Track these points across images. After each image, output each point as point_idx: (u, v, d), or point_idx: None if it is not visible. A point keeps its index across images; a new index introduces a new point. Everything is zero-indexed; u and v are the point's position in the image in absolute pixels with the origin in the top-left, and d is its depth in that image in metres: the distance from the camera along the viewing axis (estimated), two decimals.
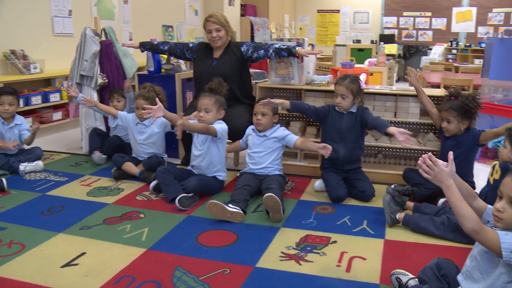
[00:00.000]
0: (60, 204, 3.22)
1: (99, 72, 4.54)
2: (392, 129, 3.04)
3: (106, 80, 4.57)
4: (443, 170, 1.67)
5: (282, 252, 2.47)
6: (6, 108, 3.96)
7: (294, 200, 3.27)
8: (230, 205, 2.87)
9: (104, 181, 3.73)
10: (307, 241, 2.61)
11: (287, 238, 2.65)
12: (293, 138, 3.35)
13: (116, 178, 3.76)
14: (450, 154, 1.72)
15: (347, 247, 2.53)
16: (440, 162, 1.70)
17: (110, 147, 4.17)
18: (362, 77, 4.03)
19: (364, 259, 2.41)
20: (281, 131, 3.39)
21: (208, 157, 3.35)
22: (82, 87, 4.55)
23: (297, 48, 3.64)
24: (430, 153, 1.69)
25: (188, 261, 2.38)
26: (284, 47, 3.70)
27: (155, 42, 4.25)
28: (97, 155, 4.16)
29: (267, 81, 5.49)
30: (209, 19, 3.90)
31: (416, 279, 2.02)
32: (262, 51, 3.80)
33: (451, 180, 1.66)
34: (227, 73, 3.83)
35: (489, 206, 1.81)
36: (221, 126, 3.32)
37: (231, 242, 2.59)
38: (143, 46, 4.27)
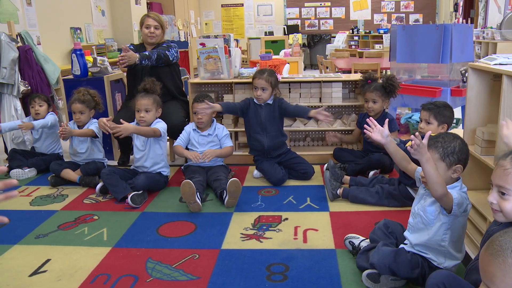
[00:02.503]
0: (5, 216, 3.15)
1: (20, 79, 4.41)
2: (312, 113, 3.37)
3: (29, 87, 4.45)
4: (424, 145, 1.79)
5: (242, 234, 2.67)
6: None
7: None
8: (197, 193, 3.02)
9: (44, 189, 3.68)
10: (261, 221, 2.83)
11: (242, 221, 2.86)
12: (225, 144, 3.57)
13: (53, 185, 3.72)
14: (428, 133, 1.84)
15: (299, 222, 2.79)
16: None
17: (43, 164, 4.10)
18: (286, 67, 4.31)
19: (316, 230, 2.67)
20: (221, 131, 3.59)
21: (151, 156, 3.45)
22: (3, 96, 4.40)
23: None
24: (417, 133, 1.80)
25: (156, 252, 2.50)
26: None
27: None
28: (15, 172, 4.02)
29: (187, 77, 5.63)
30: (150, 15, 4.00)
31: (367, 241, 2.31)
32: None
33: (428, 154, 1.82)
34: (160, 69, 3.94)
35: (418, 168, 2.12)
36: (162, 125, 3.43)
37: (191, 231, 2.75)
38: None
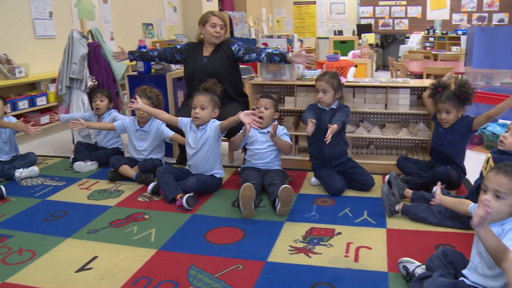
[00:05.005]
0: (63, 209, 3.24)
1: (88, 74, 4.54)
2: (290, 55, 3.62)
3: (96, 82, 4.57)
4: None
5: (291, 246, 2.55)
6: None
7: (294, 194, 3.35)
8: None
9: (102, 183, 3.75)
10: (313, 234, 2.69)
11: (293, 231, 2.74)
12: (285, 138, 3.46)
13: (111, 180, 3.79)
14: (486, 200, 1.60)
15: (352, 238, 2.63)
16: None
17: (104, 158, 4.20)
18: (352, 70, 4.12)
19: (369, 248, 2.50)
20: (280, 130, 3.48)
21: (204, 155, 3.40)
22: (72, 90, 4.55)
23: (290, 55, 3.70)
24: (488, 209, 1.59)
25: (200, 259, 2.44)
26: (277, 52, 3.76)
27: (144, 50, 4.24)
28: (78, 164, 4.14)
29: (253, 76, 5.57)
30: (216, 14, 3.93)
31: (423, 267, 2.12)
32: (254, 55, 3.84)
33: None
34: (218, 70, 3.88)
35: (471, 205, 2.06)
36: (217, 125, 3.38)
37: (239, 239, 2.66)
38: (132, 54, 4.22)
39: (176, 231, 2.79)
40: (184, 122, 3.47)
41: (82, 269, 2.41)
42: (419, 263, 2.16)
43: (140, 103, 3.43)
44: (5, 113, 4.15)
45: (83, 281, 2.29)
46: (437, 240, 2.54)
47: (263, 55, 3.80)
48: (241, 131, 3.41)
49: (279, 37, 4.01)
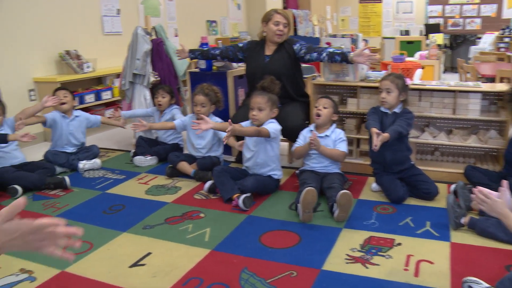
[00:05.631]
0: (121, 203, 3.30)
1: (151, 70, 4.61)
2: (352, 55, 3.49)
3: (158, 78, 4.64)
4: (496, 201, 1.69)
5: (347, 255, 2.45)
6: (60, 98, 4.13)
7: (353, 199, 3.24)
8: None
9: (161, 179, 3.79)
10: (372, 243, 2.57)
11: (351, 239, 2.63)
12: (338, 147, 3.34)
13: (169, 176, 3.82)
14: (504, 183, 1.72)
15: (413, 250, 2.49)
16: (494, 193, 1.72)
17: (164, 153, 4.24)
18: (418, 72, 3.94)
19: (431, 263, 2.35)
20: (337, 134, 3.38)
21: (262, 157, 3.35)
22: (135, 85, 4.64)
23: (352, 54, 3.58)
24: (480, 187, 1.72)
25: (253, 262, 2.39)
26: (338, 51, 3.65)
27: (205, 48, 4.23)
28: (138, 158, 4.22)
29: (315, 75, 5.46)
30: (280, 11, 3.86)
31: None
32: (315, 54, 3.74)
33: (506, 210, 1.67)
34: (280, 70, 3.81)
35: None
36: (273, 126, 3.31)
37: (294, 243, 2.59)
38: (193, 53, 4.19)
39: (230, 232, 2.76)
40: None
41: (135, 264, 2.42)
42: (488, 285, 1.99)
43: (210, 123, 3.26)
44: (74, 106, 4.32)
45: (135, 277, 2.30)
46: (508, 260, 2.35)
47: (324, 54, 3.69)
48: (307, 142, 3.32)
49: (343, 36, 3.89)
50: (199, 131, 3.27)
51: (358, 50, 3.54)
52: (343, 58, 3.62)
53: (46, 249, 1.13)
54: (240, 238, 2.68)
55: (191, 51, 4.19)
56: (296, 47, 3.84)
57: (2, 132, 3.74)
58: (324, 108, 3.35)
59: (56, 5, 5.41)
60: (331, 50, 3.68)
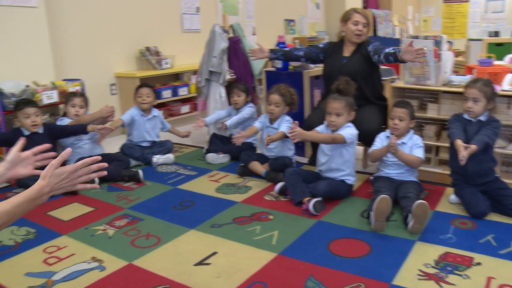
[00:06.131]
0: (191, 199, 3.31)
1: (227, 68, 4.62)
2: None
3: (234, 76, 4.63)
4: None
5: (420, 270, 2.28)
6: (144, 99, 4.21)
7: (430, 210, 3.04)
8: None
9: (232, 177, 3.78)
10: (447, 260, 2.38)
11: (425, 254, 2.45)
12: (414, 153, 3.14)
13: (240, 175, 3.80)
14: None
15: (494, 272, 2.27)
16: None
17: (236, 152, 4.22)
18: (508, 78, 3.64)
19: None
20: (414, 141, 3.19)
21: (337, 162, 3.23)
22: (211, 82, 4.67)
23: (401, 53, 3.35)
24: None
25: (320, 270, 2.29)
26: (392, 51, 3.46)
27: (287, 49, 4.12)
28: (210, 155, 4.23)
29: (394, 78, 5.23)
30: (359, 11, 3.74)
31: None
32: (376, 56, 3.59)
33: None
34: (357, 71, 3.67)
35: None
36: (350, 131, 3.19)
37: (364, 254, 2.46)
38: (274, 53, 4.04)
39: (298, 236, 2.67)
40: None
41: (200, 263, 2.40)
42: None
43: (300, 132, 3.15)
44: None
45: (199, 276, 2.27)
46: None
47: (382, 55, 3.52)
48: (385, 145, 3.17)
49: (425, 38, 3.67)
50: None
51: (405, 47, 3.32)
52: (395, 58, 3.43)
53: (80, 185, 1.54)
54: (308, 243, 2.59)
55: (272, 51, 4.06)
56: (369, 48, 3.69)
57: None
58: (401, 120, 3.17)
59: (138, 3, 5.58)
60: (386, 50, 3.50)
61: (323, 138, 3.17)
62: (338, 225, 2.81)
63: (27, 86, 3.96)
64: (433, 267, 2.31)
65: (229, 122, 4.22)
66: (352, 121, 3.27)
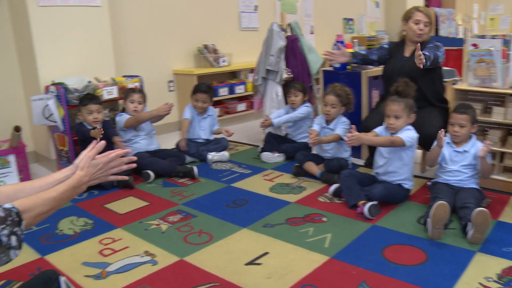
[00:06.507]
0: (244, 198, 3.31)
1: (284, 67, 4.59)
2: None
3: (291, 75, 4.60)
4: None
5: (481, 284, 2.16)
6: (200, 105, 4.26)
7: (492, 220, 2.89)
8: None
9: (286, 177, 3.75)
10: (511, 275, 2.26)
11: (486, 266, 2.32)
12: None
13: (295, 175, 3.76)
14: None
15: None
16: None
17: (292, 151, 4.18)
18: None
19: None
20: (477, 148, 3.03)
21: (396, 165, 3.14)
22: (267, 81, 4.66)
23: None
24: None
25: (373, 277, 2.22)
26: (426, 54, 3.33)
27: (363, 52, 3.96)
28: (265, 154, 4.21)
29: (456, 79, 5.02)
30: (421, 9, 3.62)
31: None
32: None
33: None
34: (417, 72, 3.53)
35: None
36: (410, 134, 3.07)
37: (420, 262, 2.36)
38: (355, 57, 3.84)
39: (352, 240, 2.61)
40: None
41: (251, 262, 2.39)
42: None
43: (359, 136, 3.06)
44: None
45: (250, 276, 2.26)
46: None
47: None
48: (435, 144, 3.05)
49: (493, 37, 3.49)
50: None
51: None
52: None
53: (112, 176, 1.61)
54: (362, 248, 2.52)
55: (353, 54, 3.85)
56: (430, 45, 3.56)
57: None
58: (461, 127, 3.02)
59: (197, 2, 5.66)
60: (427, 53, 3.37)
61: (382, 141, 3.08)
62: (393, 231, 2.72)
63: (89, 82, 4.10)
64: (495, 281, 2.18)
65: (277, 120, 4.19)
66: (412, 124, 3.16)
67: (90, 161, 1.53)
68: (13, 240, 1.18)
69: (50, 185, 1.48)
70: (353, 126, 3.08)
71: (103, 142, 1.58)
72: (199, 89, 4.35)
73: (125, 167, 1.65)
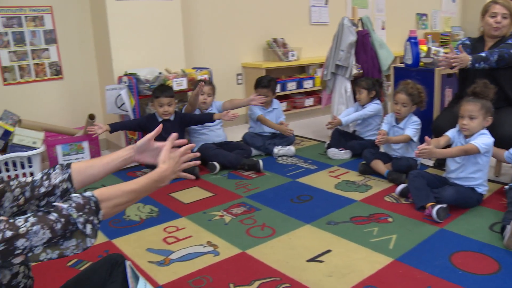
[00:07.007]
0: (309, 193, 3.29)
1: (354, 62, 4.51)
2: None
3: (361, 71, 4.51)
4: None
5: None
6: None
7: None
8: None
9: (352, 174, 3.69)
10: None
11: None
12: None
13: (361, 173, 3.69)
14: None
15: None
16: None
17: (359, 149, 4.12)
18: None
19: None
20: None
21: (469, 170, 2.99)
22: (337, 76, 4.59)
23: None
24: None
25: (439, 283, 2.13)
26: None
27: (484, 55, 3.40)
28: (332, 151, 4.16)
29: None
30: (500, 1, 3.42)
31: None
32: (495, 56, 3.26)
33: None
34: (496, 70, 3.35)
35: None
36: (484, 140, 2.90)
37: (491, 272, 2.24)
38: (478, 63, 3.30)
39: (418, 243, 2.52)
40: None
41: (313, 259, 2.38)
42: None
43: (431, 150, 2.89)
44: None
45: (311, 273, 2.25)
46: None
47: (495, 56, 3.20)
48: None
49: None
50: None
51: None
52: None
53: (183, 173, 1.61)
54: (428, 252, 2.43)
55: (475, 60, 3.29)
56: (508, 42, 3.36)
57: (211, 111, 4.08)
58: None
59: None
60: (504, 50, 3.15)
61: (455, 153, 2.93)
62: (463, 236, 2.61)
63: (160, 73, 4.22)
64: None
65: (345, 119, 4.12)
66: (490, 126, 3.00)
67: (169, 153, 1.53)
68: (88, 228, 1.21)
69: (115, 161, 1.56)
70: (427, 138, 2.87)
71: (175, 134, 1.61)
72: (260, 84, 4.39)
73: (192, 163, 1.66)
